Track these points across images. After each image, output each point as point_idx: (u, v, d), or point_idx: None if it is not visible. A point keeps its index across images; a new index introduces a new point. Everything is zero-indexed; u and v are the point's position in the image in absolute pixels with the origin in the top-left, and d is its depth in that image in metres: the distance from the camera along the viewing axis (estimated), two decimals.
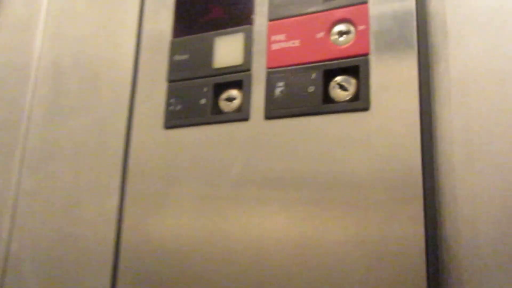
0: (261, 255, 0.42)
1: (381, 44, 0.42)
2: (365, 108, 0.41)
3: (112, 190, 0.50)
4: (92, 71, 0.55)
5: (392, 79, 0.41)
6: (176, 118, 0.48)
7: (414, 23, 0.41)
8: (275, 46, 0.46)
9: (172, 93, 0.49)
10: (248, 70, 0.46)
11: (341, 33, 0.44)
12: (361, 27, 0.43)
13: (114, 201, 0.49)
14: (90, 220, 0.50)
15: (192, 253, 0.44)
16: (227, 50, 0.48)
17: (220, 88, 0.48)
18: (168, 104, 0.49)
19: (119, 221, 0.48)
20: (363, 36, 0.43)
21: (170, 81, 0.50)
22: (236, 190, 0.44)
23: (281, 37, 0.46)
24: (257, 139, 0.44)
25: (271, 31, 0.46)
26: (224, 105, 0.47)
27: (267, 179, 0.43)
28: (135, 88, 0.52)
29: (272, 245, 0.42)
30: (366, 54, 0.42)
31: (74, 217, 0.51)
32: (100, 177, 0.51)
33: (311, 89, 0.43)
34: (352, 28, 0.44)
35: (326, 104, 0.43)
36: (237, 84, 0.47)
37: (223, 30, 0.49)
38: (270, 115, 0.44)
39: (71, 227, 0.51)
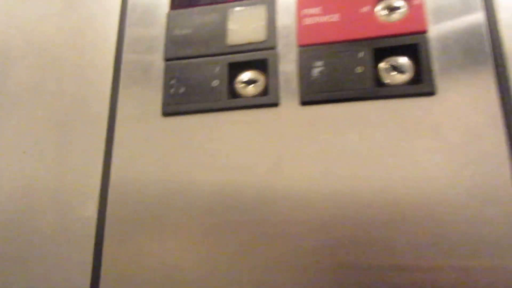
0: None
1: (441, 20, 0.35)
2: (431, 93, 0.33)
3: (86, 203, 0.37)
4: (53, 56, 0.43)
5: (458, 60, 0.34)
6: (178, 103, 0.37)
7: None
8: (307, 21, 0.37)
9: (171, 73, 0.38)
10: (273, 47, 0.37)
11: (390, 8, 0.36)
12: (415, 1, 0.36)
13: (91, 212, 0.36)
14: (53, 243, 0.37)
15: None
16: (244, 24, 0.38)
17: (233, 68, 0.38)
18: (167, 87, 0.38)
19: (98, 244, 0.35)
20: (418, 11, 0.36)
21: (168, 59, 0.39)
22: (264, 202, 0.33)
23: (315, 10, 0.37)
24: (290, 129, 0.35)
25: (302, 4, 0.38)
26: (241, 89, 0.37)
27: (307, 185, 0.33)
28: (118, 71, 0.40)
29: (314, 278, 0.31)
30: (423, 32, 0.35)
31: (25, 240, 0.37)
32: (66, 186, 0.38)
33: (359, 69, 0.35)
34: (403, 3, 0.36)
35: (380, 87, 0.34)
36: (257, 65, 0.37)
37: (238, 2, 0.39)
38: (307, 100, 0.35)
39: (22, 251, 0.37)
